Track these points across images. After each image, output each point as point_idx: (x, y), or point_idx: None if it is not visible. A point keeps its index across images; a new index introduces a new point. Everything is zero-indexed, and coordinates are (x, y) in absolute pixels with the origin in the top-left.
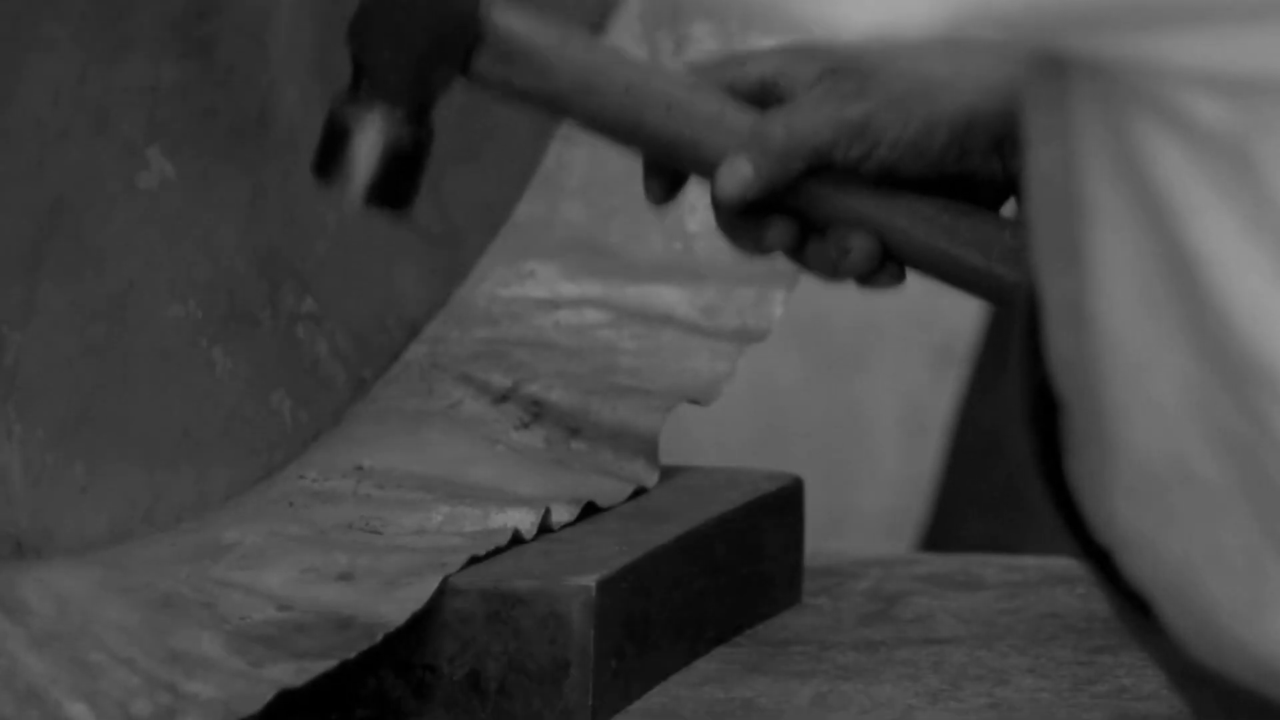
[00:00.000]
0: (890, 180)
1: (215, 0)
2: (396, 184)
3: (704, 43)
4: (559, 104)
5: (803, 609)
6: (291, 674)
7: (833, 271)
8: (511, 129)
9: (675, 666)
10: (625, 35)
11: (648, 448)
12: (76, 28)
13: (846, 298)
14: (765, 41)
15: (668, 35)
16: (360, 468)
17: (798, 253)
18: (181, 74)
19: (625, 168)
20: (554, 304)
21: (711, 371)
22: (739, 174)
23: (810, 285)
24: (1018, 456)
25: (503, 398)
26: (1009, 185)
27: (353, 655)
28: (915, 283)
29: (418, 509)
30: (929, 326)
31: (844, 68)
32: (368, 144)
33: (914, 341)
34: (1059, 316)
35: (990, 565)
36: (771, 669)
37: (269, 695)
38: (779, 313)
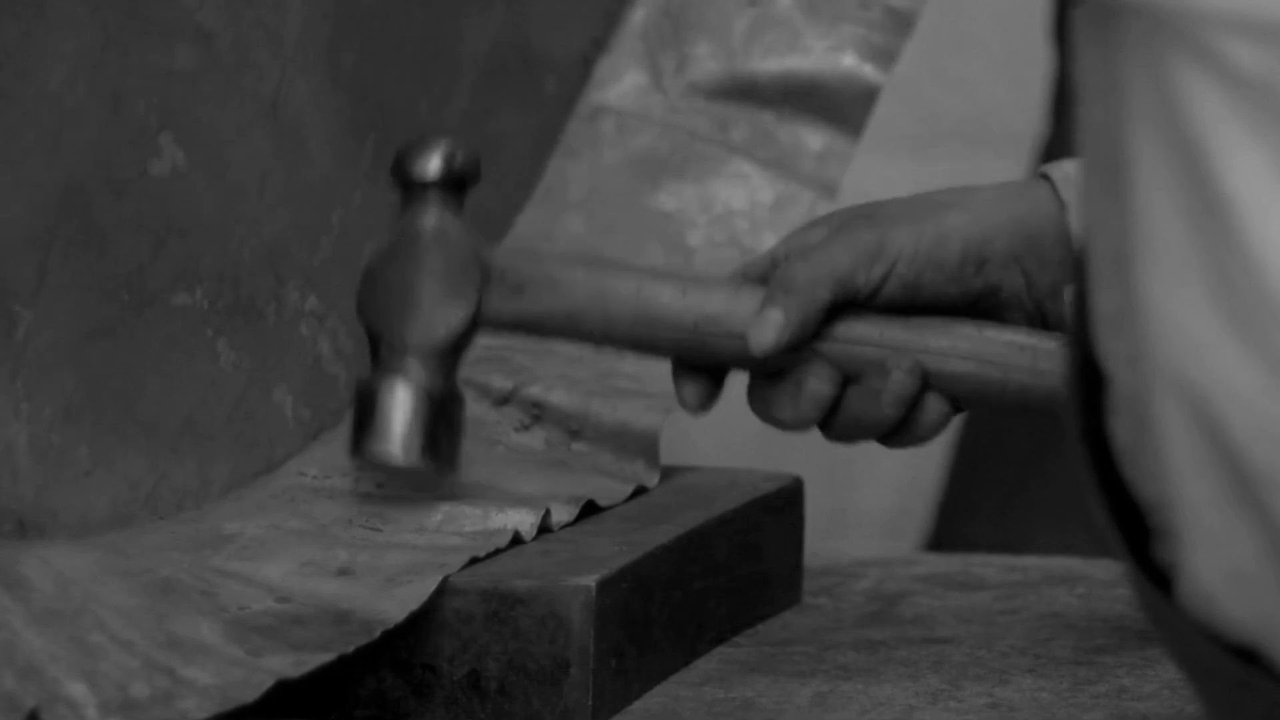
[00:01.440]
0: (918, 305)
1: None
2: (435, 438)
3: (705, 63)
4: (577, 320)
5: (803, 609)
6: (289, 665)
7: (877, 407)
8: (512, 142)
9: (675, 666)
10: (627, 56)
11: (648, 448)
12: (96, 7)
13: None
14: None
15: (670, 55)
16: (360, 467)
17: (837, 407)
18: (196, 61)
19: (626, 181)
20: None
21: None
22: (770, 321)
23: None
24: (1023, 455)
25: (503, 400)
26: (1038, 306)
27: (350, 650)
28: None
29: (417, 508)
30: None
31: (848, 216)
32: (400, 403)
33: None
34: (1103, 271)
35: (990, 565)
36: (771, 669)
37: (267, 684)
38: None
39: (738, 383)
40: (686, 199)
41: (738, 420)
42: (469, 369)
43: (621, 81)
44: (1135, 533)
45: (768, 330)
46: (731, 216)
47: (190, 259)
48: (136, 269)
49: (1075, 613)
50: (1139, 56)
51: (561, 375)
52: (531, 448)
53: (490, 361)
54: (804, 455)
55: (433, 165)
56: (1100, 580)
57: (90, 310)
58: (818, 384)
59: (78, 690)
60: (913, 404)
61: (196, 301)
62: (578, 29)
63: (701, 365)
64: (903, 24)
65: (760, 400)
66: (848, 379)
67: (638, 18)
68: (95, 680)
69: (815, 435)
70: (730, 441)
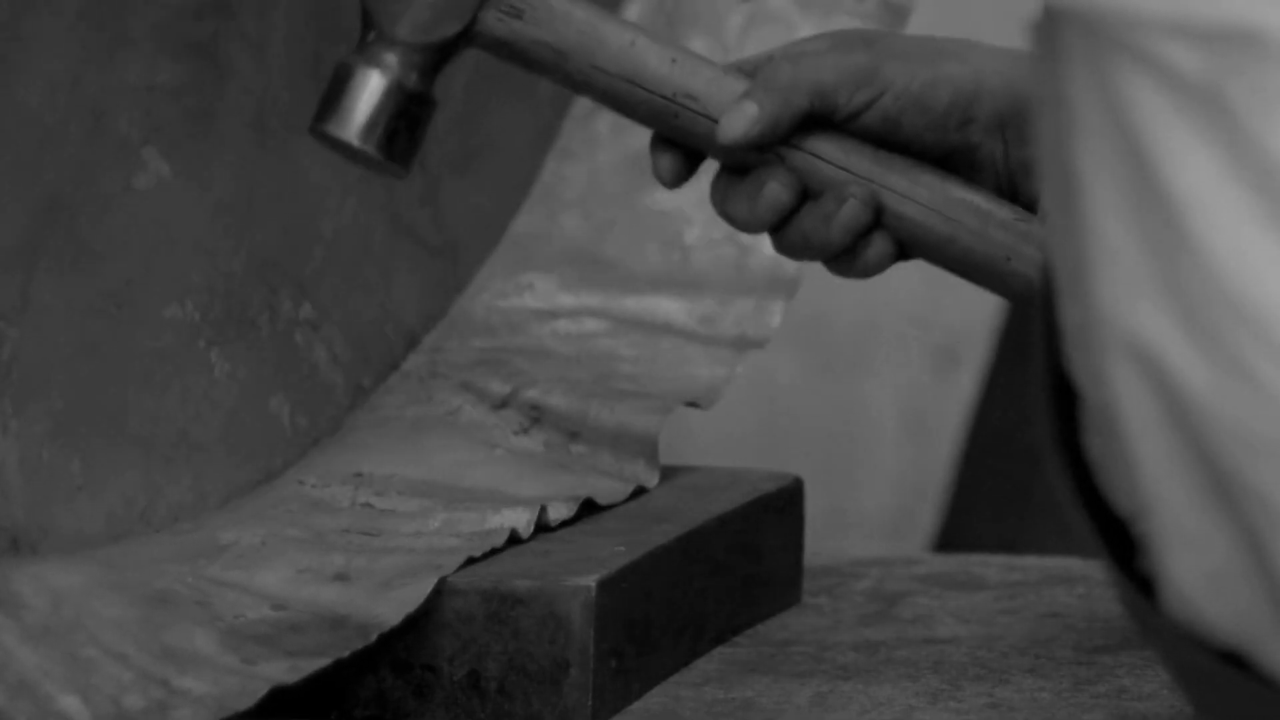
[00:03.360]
0: (893, 142)
1: (213, 1)
2: (396, 134)
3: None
4: (563, 58)
5: (803, 609)
6: (285, 672)
7: (826, 230)
8: (510, 142)
9: (675, 666)
10: None
11: (648, 449)
12: (73, 25)
13: (847, 298)
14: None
15: None
16: (359, 474)
17: (791, 219)
18: (178, 75)
19: (623, 181)
20: (552, 314)
21: (711, 377)
22: (744, 112)
23: (811, 285)
24: (1030, 454)
25: (502, 403)
26: (1010, 177)
27: (346, 654)
28: (915, 283)
29: (416, 513)
30: (929, 326)
31: (850, 36)
32: (371, 88)
33: (914, 341)
34: (1065, 286)
35: (990, 565)
36: (771, 669)
37: (262, 692)
38: (777, 322)
39: (738, 383)
40: (683, 196)
41: (738, 420)
42: (466, 372)
43: None
44: (1119, 542)
45: (739, 120)
46: None
47: (179, 272)
48: (125, 283)
49: (1075, 613)
50: (1082, 65)
51: (560, 377)
52: (531, 450)
53: (488, 365)
54: (804, 455)
55: None
56: (1100, 580)
57: (78, 326)
58: (777, 189)
59: (71, 704)
60: (861, 235)
61: (187, 314)
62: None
63: (675, 142)
64: (897, 16)
65: (720, 193)
66: (806, 194)
67: (632, 14)
68: (89, 694)
69: (815, 435)
70: (730, 441)
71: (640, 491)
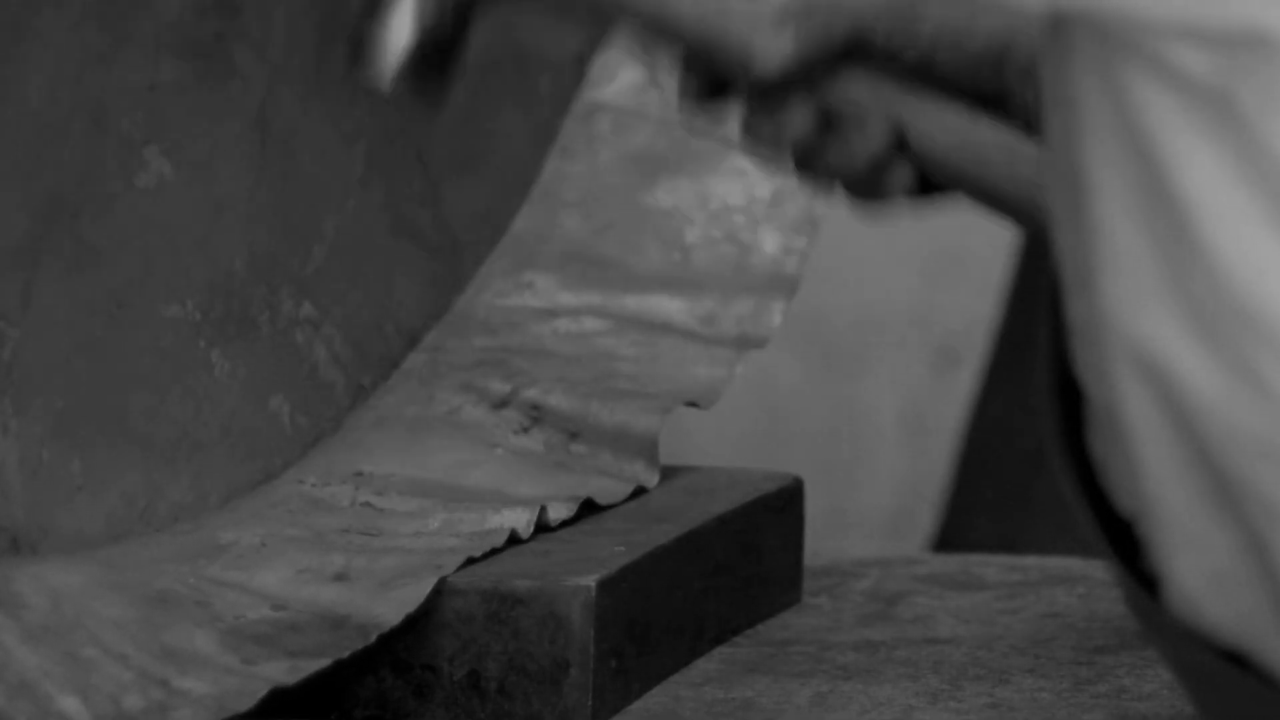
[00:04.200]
0: (925, 78)
1: (215, 1)
2: (430, 68)
3: None
4: None
5: (803, 609)
6: (284, 672)
7: (850, 161)
8: (510, 141)
9: (675, 666)
10: (622, 52)
11: (647, 449)
12: (76, 24)
13: (846, 298)
14: None
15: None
16: (360, 473)
17: (814, 148)
18: (180, 74)
19: (623, 180)
20: (552, 313)
21: (711, 376)
22: (777, 40)
23: (811, 285)
24: (1030, 454)
25: (502, 403)
26: (1039, 124)
27: (346, 655)
28: (915, 283)
29: (416, 513)
30: (929, 326)
31: None
32: (405, 19)
33: (914, 341)
34: (1071, 285)
35: (990, 565)
36: (771, 669)
37: (261, 692)
38: (778, 322)
39: (738, 383)
40: (684, 196)
41: (738, 421)
42: (467, 372)
43: (617, 79)
44: (1123, 541)
45: (772, 48)
46: (729, 213)
47: (180, 271)
48: (125, 283)
49: (1075, 613)
50: (1090, 66)
51: (560, 377)
52: (531, 450)
53: (489, 365)
54: (804, 455)
55: None
56: (1100, 580)
57: (79, 325)
58: (799, 122)
59: (71, 705)
60: (884, 167)
61: (188, 313)
62: (572, 27)
63: (704, 67)
64: None
65: (747, 116)
66: (831, 121)
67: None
68: (89, 694)
69: (815, 435)
70: (730, 441)
71: (640, 491)
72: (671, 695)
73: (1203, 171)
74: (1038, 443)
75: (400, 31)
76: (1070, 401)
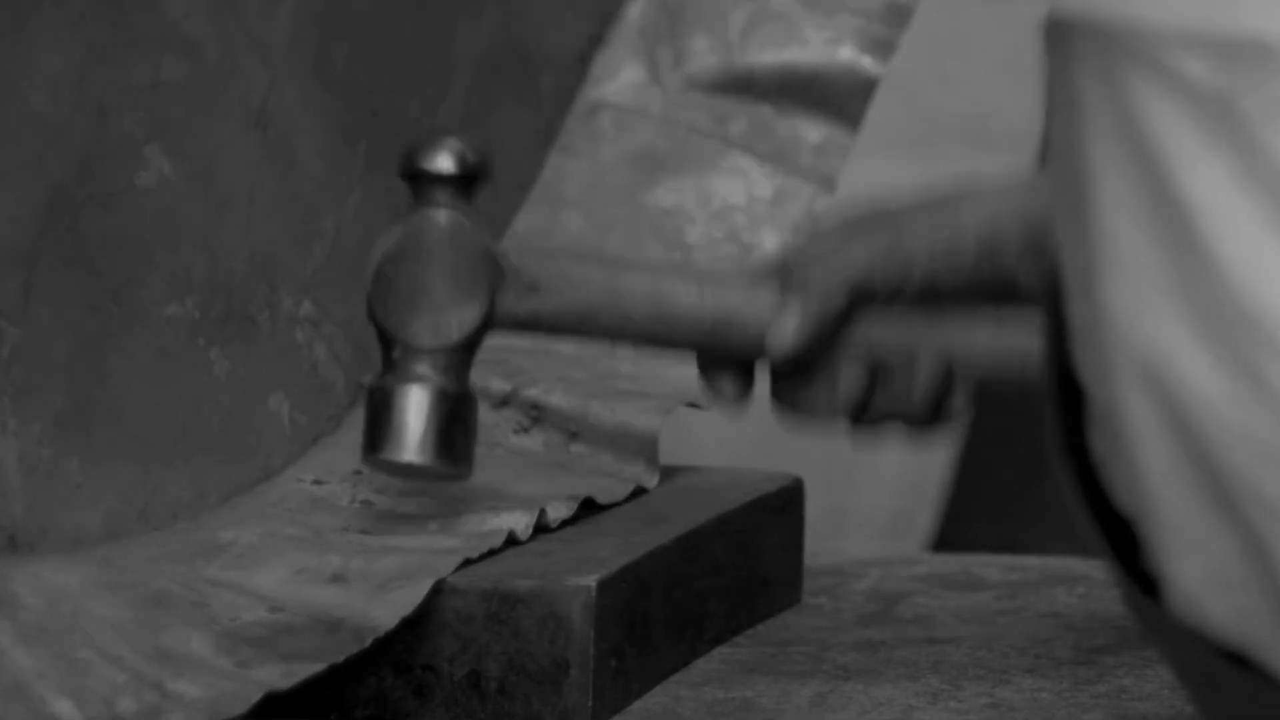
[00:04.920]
0: (934, 301)
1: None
2: (453, 440)
3: (703, 57)
4: (591, 319)
5: (803, 609)
6: (279, 676)
7: (909, 404)
8: (510, 140)
9: (675, 666)
10: (624, 51)
11: (647, 449)
12: (78, 23)
13: None
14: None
15: (667, 50)
16: (359, 472)
17: (868, 403)
18: (182, 73)
19: (625, 178)
20: None
21: None
22: (787, 324)
23: None
24: (1030, 454)
25: (502, 402)
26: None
27: (341, 659)
28: None
29: (415, 513)
30: None
31: (860, 218)
32: (414, 405)
33: None
34: (1073, 286)
35: (990, 565)
36: (771, 669)
37: (256, 696)
38: None
39: None
40: (685, 194)
41: (738, 420)
42: None
43: (619, 77)
44: (1123, 540)
45: (785, 334)
46: (730, 212)
47: (180, 269)
48: (125, 281)
49: (1075, 613)
50: (1094, 71)
51: (560, 377)
52: (531, 450)
53: (488, 364)
54: (804, 455)
55: (445, 161)
56: (1100, 580)
57: (79, 324)
58: (849, 381)
59: (64, 708)
60: (942, 398)
61: (188, 312)
62: (574, 25)
63: (726, 360)
64: (901, 15)
65: (786, 396)
66: (876, 372)
67: (634, 12)
68: (82, 697)
69: (815, 436)
70: (730, 441)
71: (640, 491)
72: (671, 695)
73: (1206, 178)
74: (1038, 443)
75: (413, 407)
76: (1070, 401)
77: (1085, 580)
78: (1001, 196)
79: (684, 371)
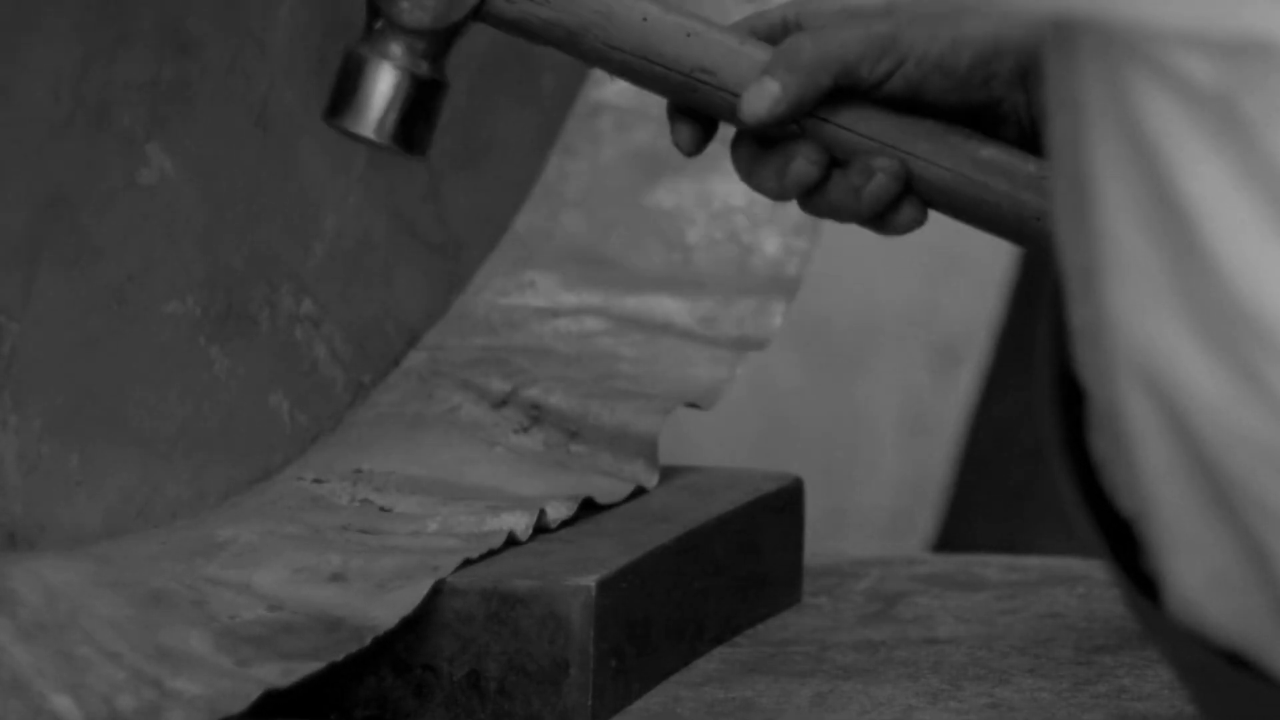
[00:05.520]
0: (916, 105)
1: None
2: (413, 121)
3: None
4: (577, 37)
5: (803, 609)
6: (278, 674)
7: (855, 202)
8: (512, 139)
9: (675, 666)
10: None
11: (647, 449)
12: (78, 21)
13: (847, 298)
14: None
15: None
16: (359, 470)
17: (819, 188)
18: (182, 71)
19: (625, 179)
20: (553, 313)
21: (711, 377)
22: (766, 91)
23: (811, 286)
24: (1030, 454)
25: (502, 402)
26: (1033, 125)
27: (340, 658)
28: (915, 283)
29: (415, 512)
30: (929, 326)
31: (866, 3)
32: (384, 77)
33: (914, 341)
34: (1075, 287)
35: (990, 565)
36: (771, 669)
37: (255, 695)
38: (778, 323)
39: (738, 383)
40: (685, 195)
41: (738, 421)
42: (467, 370)
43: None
44: (1123, 541)
45: (762, 100)
46: (730, 213)
47: (181, 267)
48: (126, 279)
49: (1075, 613)
50: (1097, 71)
51: (560, 377)
52: (530, 449)
53: (489, 364)
54: (804, 455)
55: None
56: (1100, 580)
57: (79, 321)
58: (804, 165)
59: (63, 704)
60: (891, 204)
61: (188, 309)
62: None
63: (693, 110)
64: None
65: (744, 163)
66: (834, 162)
67: None
68: (81, 694)
69: (815, 435)
70: (730, 441)
71: (640, 491)
72: (671, 695)
73: (1207, 178)
74: (1038, 443)
75: (383, 80)
76: (1071, 401)
77: (1085, 580)
78: (1008, 21)
79: (684, 372)
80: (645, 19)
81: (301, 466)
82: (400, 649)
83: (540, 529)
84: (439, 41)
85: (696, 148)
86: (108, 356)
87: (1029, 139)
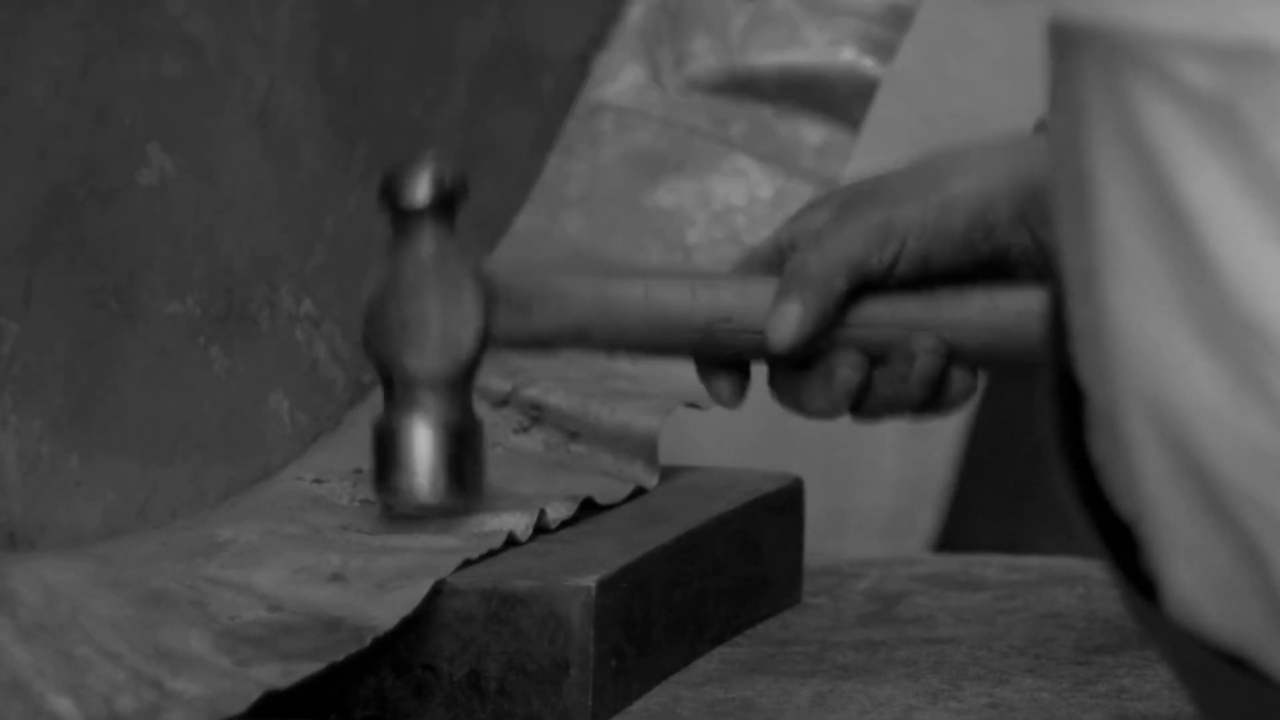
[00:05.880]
0: (930, 278)
1: None
2: (460, 470)
3: (704, 58)
4: (587, 332)
5: (803, 609)
6: (278, 675)
7: (906, 389)
8: (510, 141)
9: (675, 666)
10: (625, 52)
11: (647, 449)
12: (79, 20)
13: None
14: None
15: (668, 51)
16: (359, 470)
17: (867, 392)
18: (183, 70)
19: (625, 179)
20: None
21: None
22: (789, 315)
23: None
24: (1030, 455)
25: (502, 402)
26: (1044, 260)
27: (340, 658)
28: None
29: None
30: None
31: (851, 195)
32: (420, 442)
33: None
34: (1074, 290)
35: (990, 565)
36: (771, 669)
37: (255, 695)
38: None
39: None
40: (686, 196)
41: (738, 420)
42: None
43: (620, 78)
44: (1122, 542)
45: (788, 325)
46: (731, 213)
47: (181, 267)
48: (126, 278)
49: (1075, 613)
50: (1097, 76)
51: (560, 377)
52: (530, 449)
53: (488, 363)
54: (804, 455)
55: (422, 191)
56: (1100, 580)
57: (79, 321)
58: (847, 372)
59: (63, 705)
60: (940, 380)
61: (188, 309)
62: (575, 27)
63: (722, 361)
64: (902, 16)
65: (787, 390)
66: (873, 360)
67: (636, 14)
68: (81, 694)
69: (815, 435)
70: (730, 441)
71: (640, 491)
72: (671, 695)
73: (1208, 183)
74: (1038, 443)
75: (420, 441)
76: (1071, 402)
77: (1085, 580)
78: (992, 163)
79: (684, 372)
80: (646, 295)
81: (301, 466)
82: (400, 649)
83: (540, 529)
84: (458, 384)
85: (739, 395)
86: (108, 356)
87: (1046, 273)
